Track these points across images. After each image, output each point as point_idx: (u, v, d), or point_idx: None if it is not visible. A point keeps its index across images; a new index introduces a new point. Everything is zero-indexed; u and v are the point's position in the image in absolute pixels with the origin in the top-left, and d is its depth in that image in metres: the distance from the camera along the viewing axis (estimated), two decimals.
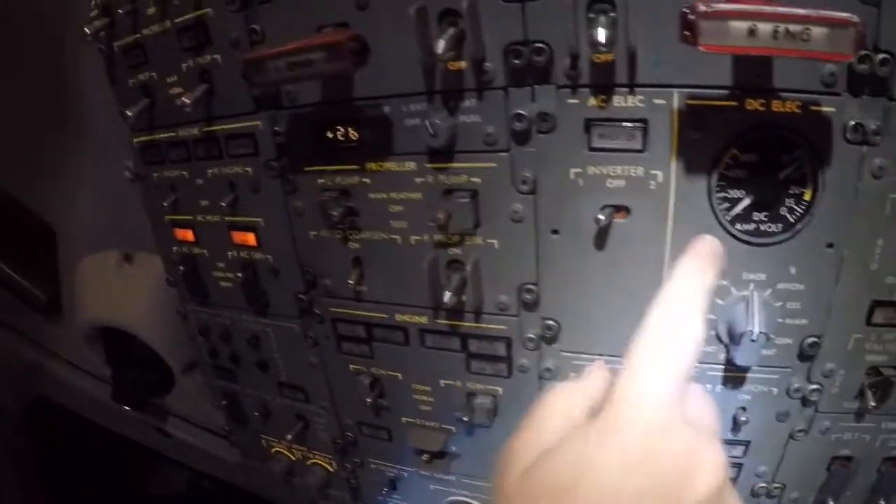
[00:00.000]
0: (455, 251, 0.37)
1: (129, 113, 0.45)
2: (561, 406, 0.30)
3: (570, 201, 0.34)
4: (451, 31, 0.32)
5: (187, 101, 0.41)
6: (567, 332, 0.37)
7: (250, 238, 0.43)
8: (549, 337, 0.37)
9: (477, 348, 0.39)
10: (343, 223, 0.39)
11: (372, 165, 0.37)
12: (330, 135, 0.38)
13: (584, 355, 0.37)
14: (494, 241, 0.36)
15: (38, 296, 0.66)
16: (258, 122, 0.40)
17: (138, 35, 0.45)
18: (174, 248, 0.48)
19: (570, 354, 0.37)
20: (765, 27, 0.27)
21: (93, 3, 0.47)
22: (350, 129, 0.37)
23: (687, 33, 0.28)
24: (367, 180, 0.38)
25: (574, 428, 0.28)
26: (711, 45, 0.27)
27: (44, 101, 0.55)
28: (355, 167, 0.38)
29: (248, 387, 0.49)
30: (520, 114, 0.33)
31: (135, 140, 0.48)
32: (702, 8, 0.27)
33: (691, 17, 0.27)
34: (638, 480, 0.25)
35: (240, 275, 0.44)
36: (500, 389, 0.40)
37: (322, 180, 0.39)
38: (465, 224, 0.35)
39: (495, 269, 0.36)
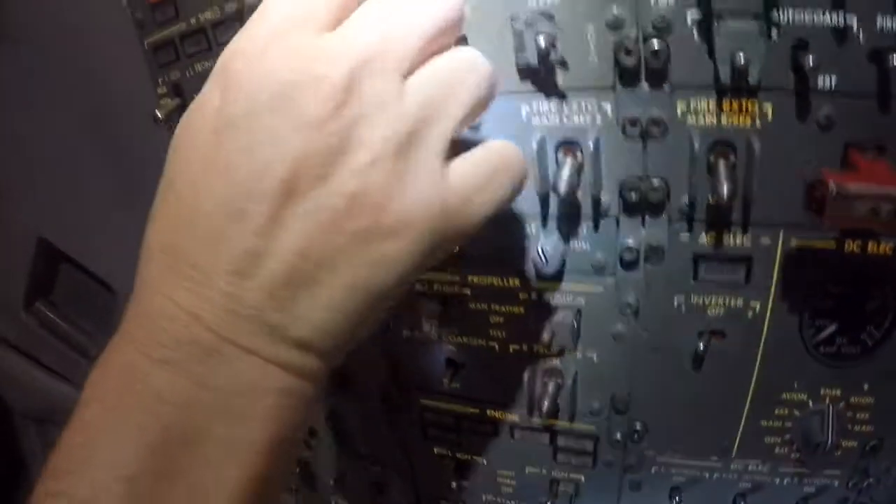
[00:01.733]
0: (553, 361, 0.39)
1: None
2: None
3: (670, 325, 0.36)
4: (570, 162, 0.33)
5: None
6: (653, 434, 0.39)
7: None
8: (636, 438, 0.40)
9: (564, 443, 0.41)
10: (440, 329, 0.40)
11: (474, 279, 0.38)
12: None
13: (667, 453, 0.40)
14: (593, 355, 0.38)
15: (95, 352, 0.65)
16: None
17: None
18: None
19: (653, 453, 0.40)
20: (887, 207, 0.29)
21: (161, 80, 0.45)
22: None
23: (813, 205, 0.29)
24: (467, 291, 0.39)
25: None
26: (835, 220, 0.29)
27: (112, 173, 0.53)
28: (456, 278, 0.39)
29: (322, 455, 0.51)
30: (630, 246, 0.35)
31: None
32: (833, 190, 0.28)
33: (819, 194, 0.29)
34: (230, 112, 0.24)
35: None
36: (582, 478, 0.42)
37: (420, 287, 0.40)
38: (566, 341, 0.37)
39: (592, 379, 0.38)
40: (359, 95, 0.23)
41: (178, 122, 0.45)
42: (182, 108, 0.46)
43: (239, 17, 0.41)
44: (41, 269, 0.63)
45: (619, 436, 0.40)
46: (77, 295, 0.64)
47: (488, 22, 0.32)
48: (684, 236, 0.34)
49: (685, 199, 0.33)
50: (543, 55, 0.31)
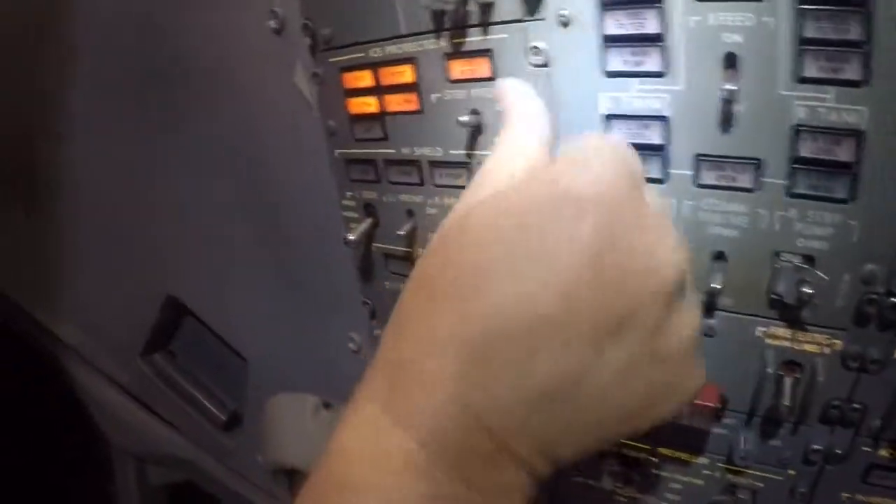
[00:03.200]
0: None
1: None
2: (504, 166, 0.30)
3: None
4: (790, 381, 0.37)
5: None
6: None
7: None
8: None
9: None
10: (621, 488, 0.43)
11: (664, 451, 0.41)
12: None
13: None
14: None
15: (217, 415, 0.64)
16: None
17: (411, 250, 0.44)
18: None
19: None
20: None
21: (349, 194, 0.45)
22: None
23: None
24: (654, 459, 0.42)
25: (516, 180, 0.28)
26: None
27: (265, 257, 0.52)
28: (646, 447, 0.42)
29: None
30: (817, 449, 0.39)
31: (376, 332, 0.47)
32: None
33: None
34: (597, 244, 0.25)
35: None
36: None
37: (608, 447, 0.43)
38: None
39: None
40: (678, 310, 0.27)
41: (366, 242, 0.46)
42: (374, 228, 0.46)
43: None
44: (166, 322, 0.62)
45: None
46: (198, 352, 0.64)
47: (752, 248, 0.35)
48: (866, 449, 0.39)
49: (878, 423, 0.37)
50: (802, 301, 0.34)
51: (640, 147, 0.35)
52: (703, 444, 0.40)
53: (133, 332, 0.64)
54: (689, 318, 0.28)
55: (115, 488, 0.84)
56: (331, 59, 0.45)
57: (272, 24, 0.48)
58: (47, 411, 0.87)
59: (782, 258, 0.34)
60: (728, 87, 0.31)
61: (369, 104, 0.43)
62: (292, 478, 0.61)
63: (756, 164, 0.33)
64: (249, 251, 0.52)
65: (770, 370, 0.37)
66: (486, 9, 0.36)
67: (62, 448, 0.92)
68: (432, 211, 0.42)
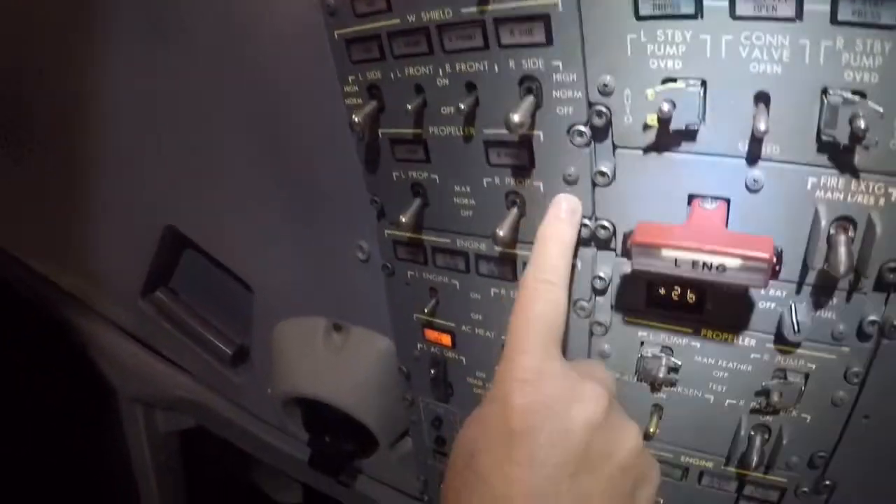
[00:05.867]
0: (765, 418, 0.40)
1: (403, 219, 0.41)
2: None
3: (891, 395, 0.38)
4: (844, 239, 0.33)
5: (500, 232, 0.38)
6: (839, 491, 0.41)
7: None
8: (822, 490, 0.41)
9: (751, 493, 0.42)
10: (660, 381, 0.40)
11: (707, 332, 0.38)
12: (662, 291, 0.38)
13: None
14: (807, 417, 0.39)
15: (223, 350, 0.61)
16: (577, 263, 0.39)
17: (420, 130, 0.41)
18: (419, 345, 0.46)
19: None
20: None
21: (351, 77, 0.41)
22: (690, 293, 0.38)
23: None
24: (696, 344, 0.39)
25: None
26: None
27: (269, 178, 0.49)
28: (688, 330, 0.39)
29: None
30: (873, 320, 0.36)
31: (387, 232, 0.44)
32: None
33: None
34: (526, 422, 0.31)
35: None
36: None
37: (644, 333, 0.39)
38: (789, 402, 0.38)
39: (798, 437, 0.40)
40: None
41: (371, 128, 0.42)
42: (379, 111, 0.43)
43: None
44: (165, 256, 0.59)
45: (805, 488, 0.41)
46: (201, 287, 0.60)
47: (797, 85, 0.32)
48: None
49: None
50: (857, 138, 0.31)
51: None
52: (748, 318, 0.37)
53: (132, 271, 0.61)
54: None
55: (124, 437, 0.81)
56: None
57: None
58: (52, 363, 0.84)
59: (831, 94, 0.31)
60: None
61: None
62: (303, 408, 0.58)
63: None
64: (246, 166, 0.49)
65: (823, 224, 0.33)
66: None
67: (68, 400, 0.89)
68: (443, 82, 0.39)
